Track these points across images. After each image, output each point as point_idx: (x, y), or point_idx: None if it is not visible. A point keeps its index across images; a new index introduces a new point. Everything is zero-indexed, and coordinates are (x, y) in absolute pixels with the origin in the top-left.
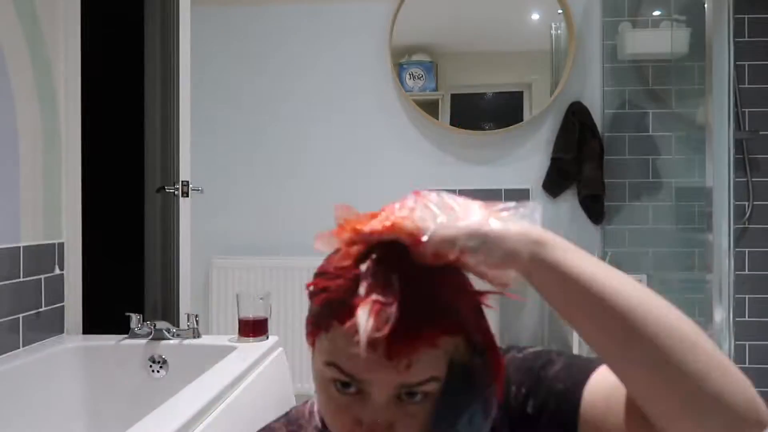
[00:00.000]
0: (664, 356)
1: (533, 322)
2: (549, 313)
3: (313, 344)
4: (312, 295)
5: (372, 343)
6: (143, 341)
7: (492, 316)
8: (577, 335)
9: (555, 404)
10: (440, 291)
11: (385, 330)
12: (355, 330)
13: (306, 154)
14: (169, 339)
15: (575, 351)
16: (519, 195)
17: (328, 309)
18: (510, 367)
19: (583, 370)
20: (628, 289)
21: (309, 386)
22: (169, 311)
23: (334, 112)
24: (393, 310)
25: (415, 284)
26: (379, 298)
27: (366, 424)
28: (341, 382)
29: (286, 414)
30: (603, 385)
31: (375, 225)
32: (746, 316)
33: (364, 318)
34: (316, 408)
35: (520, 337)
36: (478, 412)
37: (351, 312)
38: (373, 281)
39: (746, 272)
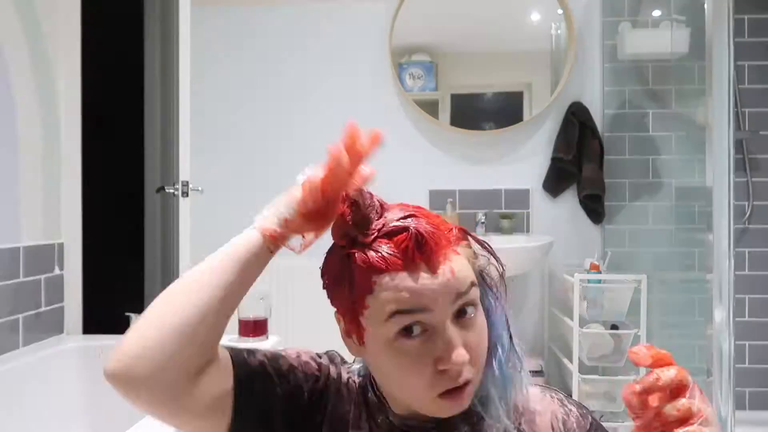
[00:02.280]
0: None
1: (533, 322)
2: (549, 314)
3: (359, 333)
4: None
5: (415, 276)
6: None
7: None
8: (576, 336)
9: None
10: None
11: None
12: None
13: (306, 154)
14: None
15: (574, 351)
16: (519, 195)
17: (363, 273)
18: (570, 420)
19: None
20: None
21: None
22: None
23: (334, 112)
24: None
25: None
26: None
27: (449, 359)
28: (405, 327)
29: (332, 358)
30: None
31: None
32: (746, 316)
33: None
34: (358, 380)
35: (520, 337)
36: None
37: (380, 257)
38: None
39: (746, 272)
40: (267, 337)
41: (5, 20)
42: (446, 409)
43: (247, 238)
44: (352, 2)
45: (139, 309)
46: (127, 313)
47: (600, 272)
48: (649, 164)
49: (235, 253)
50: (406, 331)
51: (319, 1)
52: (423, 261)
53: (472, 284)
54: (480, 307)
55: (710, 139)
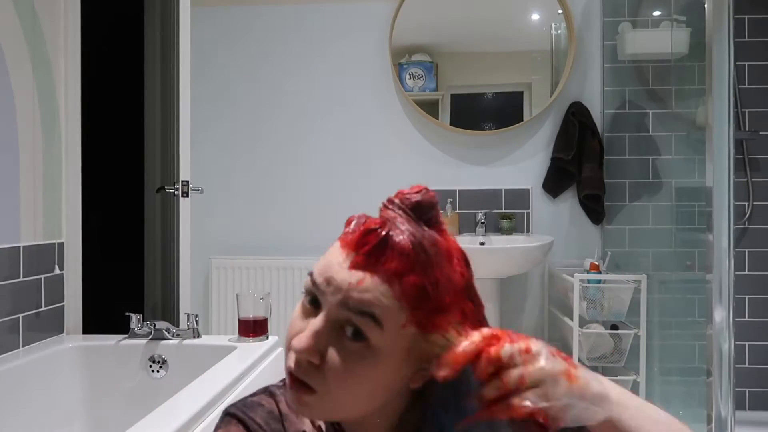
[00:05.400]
0: None
1: (533, 322)
2: (549, 314)
3: None
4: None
5: (341, 256)
6: (143, 341)
7: (492, 317)
8: (576, 336)
9: None
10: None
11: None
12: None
13: (306, 154)
14: (169, 339)
15: (574, 351)
16: (519, 195)
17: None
18: None
19: None
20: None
21: None
22: (169, 311)
23: (334, 112)
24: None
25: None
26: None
27: (306, 338)
28: (308, 293)
29: (266, 389)
30: None
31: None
32: (746, 316)
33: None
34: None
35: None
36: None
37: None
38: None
39: (746, 272)
40: (267, 337)
41: (5, 20)
42: (292, 402)
43: None
44: (352, 2)
45: (139, 309)
46: (127, 313)
47: (600, 272)
48: (649, 164)
49: None
50: (310, 300)
51: (319, 1)
52: (353, 249)
53: (373, 318)
54: (380, 358)
55: (710, 139)
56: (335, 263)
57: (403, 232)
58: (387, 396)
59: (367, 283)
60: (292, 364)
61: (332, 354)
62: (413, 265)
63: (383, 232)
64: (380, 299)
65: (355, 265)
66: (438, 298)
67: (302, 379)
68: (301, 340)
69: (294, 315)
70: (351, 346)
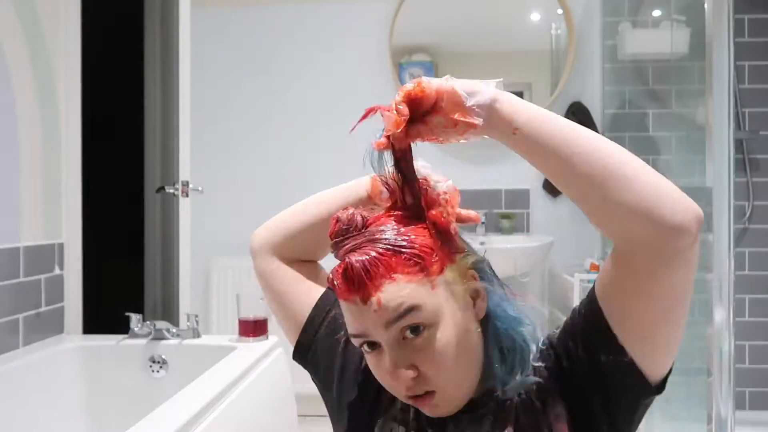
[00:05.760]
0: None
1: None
2: (549, 314)
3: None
4: None
5: (351, 306)
6: (143, 341)
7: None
8: None
9: (584, 323)
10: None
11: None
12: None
13: (306, 153)
14: (169, 339)
15: None
16: (519, 195)
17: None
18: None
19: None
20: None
21: (309, 386)
22: (169, 311)
23: (334, 112)
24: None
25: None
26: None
27: (391, 371)
28: (360, 345)
29: None
30: (602, 279)
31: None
32: (746, 316)
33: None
34: None
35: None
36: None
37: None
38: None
39: (746, 272)
40: (267, 337)
41: (5, 20)
42: (426, 411)
43: (357, 184)
44: (352, 2)
45: (139, 309)
46: (127, 313)
47: None
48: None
49: (341, 195)
50: (368, 346)
51: (319, 1)
52: (353, 294)
53: (412, 308)
54: (441, 323)
55: (710, 139)
56: (352, 314)
57: (360, 251)
58: (473, 345)
59: (383, 299)
60: (405, 391)
61: (416, 358)
62: (390, 257)
63: (351, 267)
64: (400, 295)
65: (365, 300)
66: (428, 247)
67: (419, 393)
68: (397, 375)
69: (370, 367)
70: (418, 340)
